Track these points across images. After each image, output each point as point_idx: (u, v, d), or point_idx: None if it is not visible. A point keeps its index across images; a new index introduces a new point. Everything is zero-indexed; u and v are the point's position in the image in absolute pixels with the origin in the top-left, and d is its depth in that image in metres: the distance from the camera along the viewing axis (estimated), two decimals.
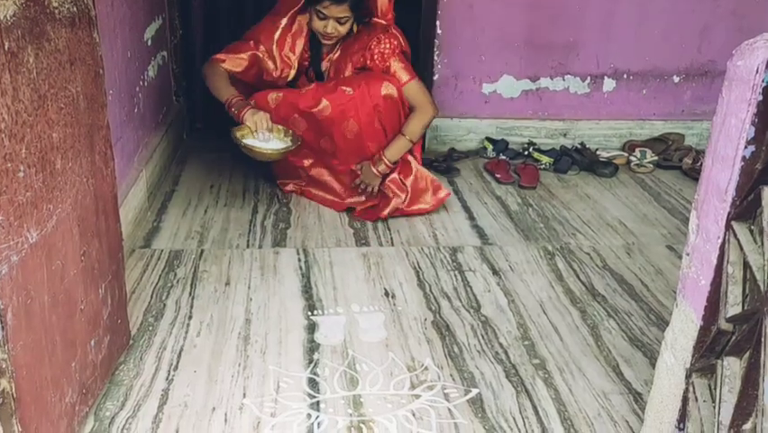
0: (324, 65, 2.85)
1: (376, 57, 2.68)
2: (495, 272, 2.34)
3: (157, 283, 2.18)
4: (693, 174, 3.29)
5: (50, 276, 1.33)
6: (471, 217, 2.77)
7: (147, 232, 2.54)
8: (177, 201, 2.83)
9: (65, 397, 1.43)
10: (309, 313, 2.05)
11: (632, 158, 3.44)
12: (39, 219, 1.28)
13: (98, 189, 1.58)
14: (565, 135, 3.58)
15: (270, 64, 2.79)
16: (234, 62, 2.76)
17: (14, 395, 1.20)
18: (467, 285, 2.25)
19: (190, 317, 2.01)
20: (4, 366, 1.18)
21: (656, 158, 3.43)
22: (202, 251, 2.41)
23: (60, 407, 1.41)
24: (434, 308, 2.11)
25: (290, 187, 2.89)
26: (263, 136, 2.61)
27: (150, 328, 1.95)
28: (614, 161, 3.40)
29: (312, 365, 1.82)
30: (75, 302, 1.47)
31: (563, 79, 3.51)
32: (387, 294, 2.18)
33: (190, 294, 2.13)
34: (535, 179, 3.17)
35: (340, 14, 2.64)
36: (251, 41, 2.78)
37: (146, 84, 2.84)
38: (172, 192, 2.91)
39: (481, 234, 2.63)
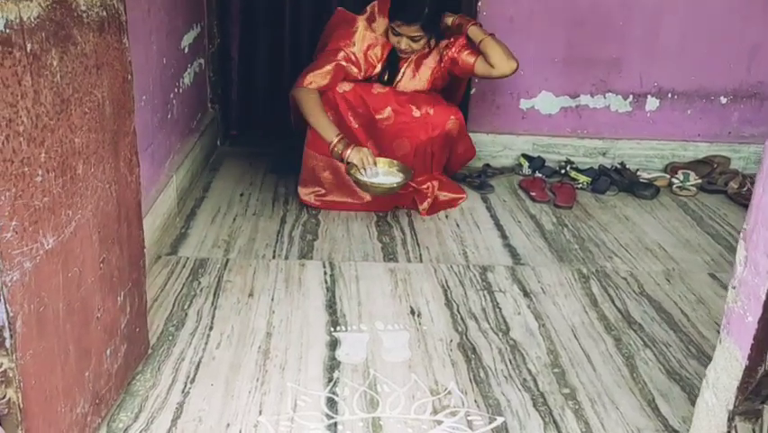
0: (402, 65, 2.86)
1: (453, 50, 2.81)
2: (526, 294, 2.25)
3: (180, 291, 2.16)
4: (739, 199, 3.16)
5: (66, 283, 1.30)
6: (504, 236, 2.70)
7: (174, 238, 2.52)
8: (206, 208, 2.81)
9: (76, 407, 1.40)
10: (332, 329, 2.00)
11: (674, 180, 3.32)
12: (56, 225, 1.25)
13: (121, 196, 1.55)
14: (604, 155, 3.48)
15: (354, 69, 2.78)
16: (320, 78, 2.72)
17: (21, 405, 1.17)
18: (496, 306, 2.17)
19: (211, 328, 1.97)
20: (10, 375, 1.15)
21: (700, 181, 3.31)
22: (227, 260, 2.38)
23: (71, 417, 1.38)
24: (460, 329, 2.04)
25: (311, 198, 2.83)
26: (371, 172, 2.63)
27: (171, 338, 1.92)
28: (655, 183, 3.29)
29: (331, 384, 1.76)
30: (91, 310, 1.44)
31: (604, 97, 3.42)
32: (413, 312, 2.11)
33: (213, 304, 2.10)
34: (572, 198, 3.08)
35: (412, 33, 2.71)
36: (330, 53, 2.75)
37: (181, 91, 2.83)
38: (202, 199, 2.90)
39: (513, 253, 2.55)
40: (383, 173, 2.69)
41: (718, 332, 2.07)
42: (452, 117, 2.79)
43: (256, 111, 3.75)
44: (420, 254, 2.50)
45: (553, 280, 2.36)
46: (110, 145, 1.47)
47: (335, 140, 2.64)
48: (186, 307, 2.07)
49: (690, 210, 3.07)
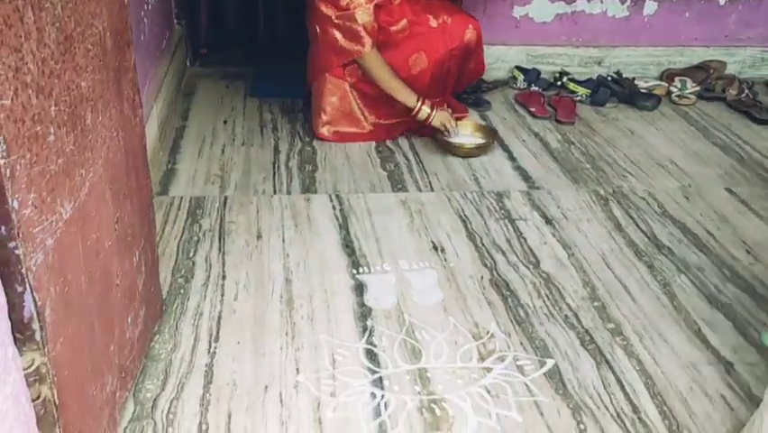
0: None
1: None
2: (548, 221, 2.15)
3: (181, 237, 1.97)
4: (739, 107, 3.08)
5: (86, 253, 1.12)
6: (512, 158, 2.56)
7: (162, 176, 2.30)
8: (189, 139, 2.57)
9: (106, 386, 1.24)
10: (354, 271, 1.86)
11: (672, 88, 3.21)
12: (72, 189, 1.05)
13: (128, 143, 1.34)
14: (600, 64, 3.33)
15: None
16: (370, 31, 2.44)
17: (56, 401, 1.01)
18: (520, 236, 2.06)
19: (224, 277, 1.81)
20: (43, 371, 0.98)
21: (698, 88, 3.21)
22: (226, 198, 2.19)
23: (102, 398, 1.23)
24: (488, 264, 1.92)
25: (326, 132, 2.60)
26: (453, 132, 2.55)
27: (182, 291, 1.75)
28: (654, 92, 3.17)
29: (367, 334, 1.64)
30: (111, 277, 1.26)
31: (601, 2, 3.23)
32: (435, 248, 1.98)
33: (220, 249, 1.92)
34: (573, 112, 2.94)
35: None
36: None
37: (150, 6, 2.53)
38: (183, 129, 2.65)
39: (526, 176, 2.42)
40: (465, 134, 2.60)
41: (748, 252, 2.05)
42: (471, 27, 2.59)
43: (226, 25, 3.45)
44: (429, 182, 2.35)
45: (571, 204, 2.25)
46: (114, 86, 1.25)
47: (418, 104, 2.50)
48: (191, 254, 1.90)
49: (693, 120, 2.98)
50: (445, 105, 2.63)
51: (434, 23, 2.54)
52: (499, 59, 3.27)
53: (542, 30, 3.25)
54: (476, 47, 2.63)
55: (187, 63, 3.27)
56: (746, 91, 3.16)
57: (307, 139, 2.62)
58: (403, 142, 2.64)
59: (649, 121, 2.95)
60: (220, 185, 2.27)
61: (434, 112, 2.50)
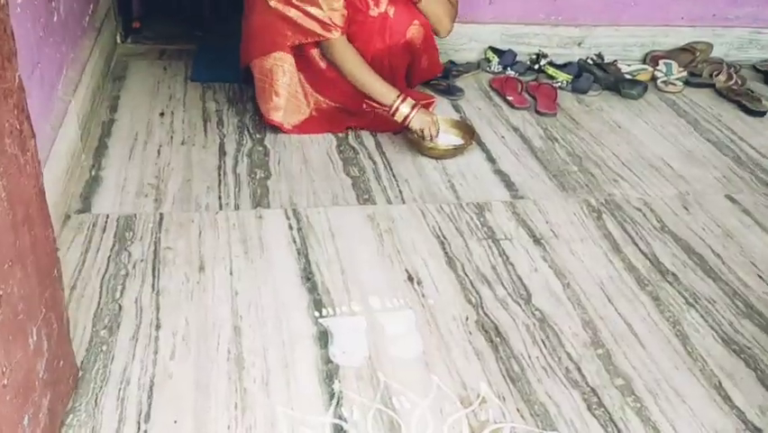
0: None
1: None
2: (536, 241, 1.88)
3: (106, 272, 1.63)
4: (730, 95, 2.84)
5: None
6: (491, 159, 2.27)
7: (84, 187, 1.94)
8: (119, 136, 2.20)
9: None
10: (317, 314, 1.56)
11: (657, 73, 2.95)
12: None
13: (15, 191, 1.00)
14: (580, 45, 3.04)
15: None
16: (340, 17, 2.14)
17: None
18: (507, 262, 1.79)
19: (158, 327, 1.49)
20: None
21: (684, 73, 2.96)
22: (161, 216, 1.84)
23: None
24: (473, 299, 1.65)
25: (278, 118, 2.25)
26: (433, 139, 2.23)
27: (105, 349, 1.42)
28: (638, 77, 2.91)
29: (334, 403, 1.35)
30: None
31: None
32: (411, 279, 1.70)
33: (153, 288, 1.60)
34: (554, 102, 2.66)
35: None
36: None
37: None
38: (111, 124, 2.28)
39: (508, 183, 2.14)
40: (441, 131, 2.27)
41: (759, 276, 1.82)
42: (416, 22, 2.27)
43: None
44: (400, 191, 2.05)
45: (561, 218, 1.98)
46: None
47: (396, 103, 2.17)
48: (118, 295, 1.56)
49: (682, 111, 2.74)
50: (431, 108, 2.32)
51: (374, 11, 2.21)
52: (472, 39, 2.96)
53: (518, 6, 2.94)
54: (425, 46, 2.32)
55: (117, 40, 2.86)
56: (735, 77, 2.93)
57: (258, 136, 2.27)
58: (368, 139, 2.31)
59: (635, 111, 2.70)
60: (155, 198, 1.92)
61: (414, 113, 2.18)
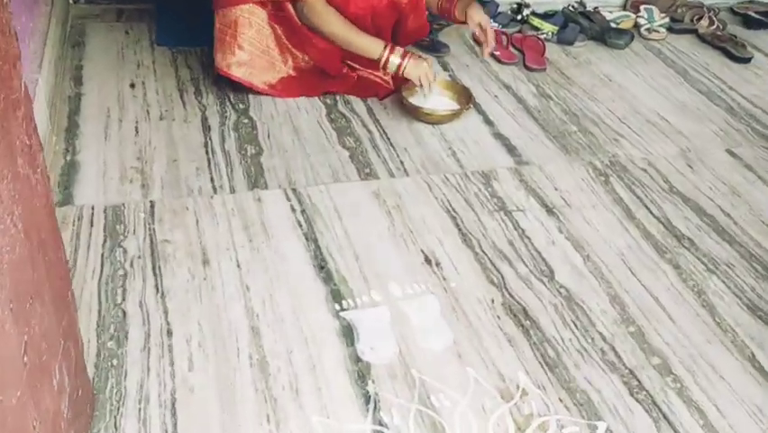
0: None
1: None
2: (549, 211, 1.81)
3: (102, 273, 1.50)
4: (714, 42, 2.80)
5: None
6: (488, 121, 2.18)
7: (61, 174, 1.77)
8: (89, 113, 2.02)
9: None
10: (337, 306, 1.47)
11: (640, 20, 2.88)
12: None
13: (29, 217, 0.86)
14: None
15: None
16: None
17: None
18: (523, 235, 1.72)
19: (170, 333, 1.38)
20: None
21: (667, 19, 2.89)
22: (152, 204, 1.70)
23: None
24: (496, 279, 1.58)
25: (231, 69, 2.08)
26: (428, 90, 2.10)
27: (115, 363, 1.31)
28: (621, 25, 2.84)
29: (372, 407, 1.28)
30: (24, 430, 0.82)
31: None
32: (429, 261, 1.62)
33: (157, 288, 1.47)
34: (542, 56, 2.57)
35: None
36: None
37: None
38: (78, 99, 2.08)
39: (509, 147, 2.06)
40: (441, 95, 2.17)
41: None
42: None
43: None
44: (401, 162, 1.95)
45: (569, 184, 1.92)
46: None
47: (385, 53, 2.04)
48: (120, 300, 1.44)
49: (669, 60, 2.68)
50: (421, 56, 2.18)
51: None
52: None
53: None
54: (411, 5, 2.16)
55: (70, 0, 2.61)
56: (717, 23, 2.88)
57: (241, 106, 2.12)
58: (359, 105, 2.19)
59: (623, 63, 2.63)
60: (141, 183, 1.77)
61: (407, 61, 2.05)
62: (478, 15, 2.15)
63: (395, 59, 2.05)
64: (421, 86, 2.07)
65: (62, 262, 1.03)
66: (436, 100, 2.14)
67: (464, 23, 2.19)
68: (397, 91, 2.15)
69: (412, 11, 2.20)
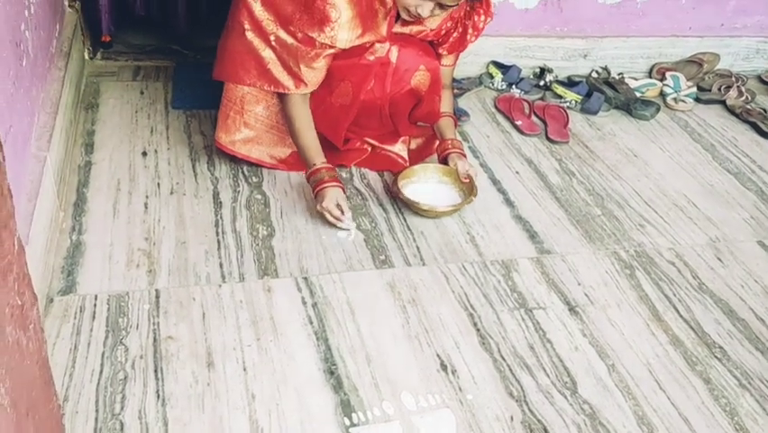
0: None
1: (471, 29, 2.04)
2: (571, 309, 1.73)
3: (101, 375, 1.43)
4: (743, 115, 2.72)
5: None
6: (509, 202, 2.11)
7: (66, 256, 1.71)
8: (99, 186, 1.97)
9: None
10: (347, 421, 1.39)
11: (666, 88, 2.81)
12: None
13: (17, 384, 0.79)
14: (585, 57, 2.88)
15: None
16: (318, 77, 1.91)
17: None
18: (544, 339, 1.64)
19: None
20: None
21: (694, 89, 2.82)
22: (157, 293, 1.64)
23: None
24: (515, 392, 1.50)
25: (232, 145, 2.02)
26: (344, 220, 1.86)
27: None
28: (646, 94, 2.78)
29: None
30: None
31: None
32: (444, 367, 1.53)
33: (158, 394, 1.40)
34: (565, 128, 2.50)
35: (451, 3, 1.77)
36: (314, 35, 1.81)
37: (33, 11, 1.85)
38: (88, 169, 2.03)
39: (530, 232, 1.98)
40: (435, 181, 2.07)
41: None
42: (422, 68, 1.98)
43: (134, 2, 2.75)
44: (418, 248, 1.87)
45: (593, 277, 1.84)
46: None
47: (317, 165, 1.90)
48: (117, 409, 1.36)
49: (696, 134, 2.60)
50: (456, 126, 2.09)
51: (371, 57, 1.91)
52: (472, 53, 2.74)
53: (523, 18, 2.75)
54: (429, 92, 2.02)
55: (86, 56, 2.58)
56: (745, 94, 2.81)
57: (255, 179, 2.06)
58: (374, 179, 2.12)
59: (649, 136, 2.55)
60: (148, 268, 1.70)
61: (327, 188, 1.86)
62: (462, 166, 2.03)
63: (322, 174, 1.88)
64: (333, 216, 1.86)
65: (54, 414, 0.96)
66: (435, 189, 2.04)
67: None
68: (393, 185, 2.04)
69: (427, 97, 2.07)
